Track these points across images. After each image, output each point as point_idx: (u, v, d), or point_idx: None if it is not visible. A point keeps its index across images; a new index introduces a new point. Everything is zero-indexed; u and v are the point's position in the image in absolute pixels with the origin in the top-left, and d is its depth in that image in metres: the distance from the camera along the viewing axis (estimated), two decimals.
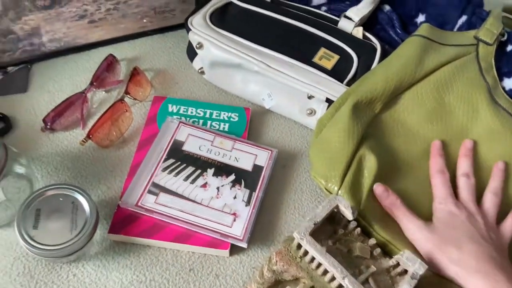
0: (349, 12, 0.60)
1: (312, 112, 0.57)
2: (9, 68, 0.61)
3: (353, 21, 0.60)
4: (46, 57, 0.63)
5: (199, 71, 0.62)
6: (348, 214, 0.41)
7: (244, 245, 0.47)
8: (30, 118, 0.57)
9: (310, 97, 0.55)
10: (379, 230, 0.44)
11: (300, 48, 0.57)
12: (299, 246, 0.41)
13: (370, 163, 0.46)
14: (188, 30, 0.60)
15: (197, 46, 0.59)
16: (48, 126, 0.55)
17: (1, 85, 0.59)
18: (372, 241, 0.43)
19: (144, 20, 0.68)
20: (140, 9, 0.67)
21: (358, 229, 0.43)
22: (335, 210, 0.42)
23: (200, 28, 0.59)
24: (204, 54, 0.59)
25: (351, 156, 0.47)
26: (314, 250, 0.39)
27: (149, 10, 0.68)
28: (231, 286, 0.46)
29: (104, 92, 0.61)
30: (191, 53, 0.63)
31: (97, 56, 0.65)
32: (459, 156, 0.51)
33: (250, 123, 0.58)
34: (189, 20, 0.61)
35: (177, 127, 0.54)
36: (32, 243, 0.41)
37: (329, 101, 0.54)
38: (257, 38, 0.58)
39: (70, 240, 0.42)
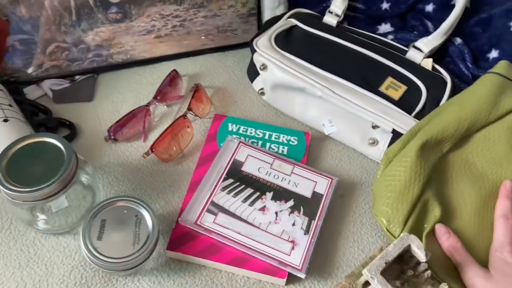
0: (418, 43, 0.59)
1: (374, 142, 0.55)
2: (77, 77, 0.63)
3: (422, 52, 0.58)
4: (112, 68, 0.65)
5: (259, 92, 0.62)
6: (421, 255, 0.39)
7: (302, 275, 0.45)
8: (95, 127, 0.58)
9: (374, 127, 0.54)
10: (440, 274, 0.42)
11: (366, 76, 0.56)
12: (366, 284, 0.40)
13: (434, 210, 0.45)
14: (253, 51, 0.60)
15: (261, 67, 0.59)
16: (111, 136, 0.56)
17: (68, 93, 0.61)
18: (444, 286, 0.40)
19: (207, 38, 0.69)
20: (204, 27, 0.68)
21: (429, 272, 0.41)
22: (406, 249, 0.40)
23: (265, 49, 0.59)
24: (267, 76, 0.59)
25: (416, 199, 0.45)
26: None
27: (212, 29, 0.69)
28: None
29: (165, 107, 0.62)
30: (252, 73, 0.63)
31: (160, 71, 0.66)
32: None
33: (309, 148, 0.57)
34: (254, 41, 0.61)
35: (237, 147, 0.54)
36: (96, 254, 0.41)
37: (395, 132, 0.53)
38: (322, 63, 0.58)
39: (132, 254, 0.42)
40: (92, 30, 0.62)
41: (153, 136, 0.58)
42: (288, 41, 0.61)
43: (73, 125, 0.57)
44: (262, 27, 0.65)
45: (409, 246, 0.40)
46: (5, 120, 0.48)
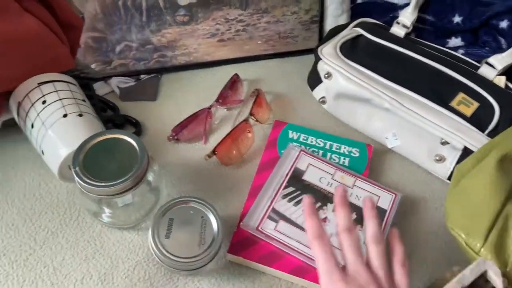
0: (491, 59, 0.56)
1: (441, 159, 0.53)
2: (142, 76, 0.65)
3: (495, 68, 0.56)
4: (175, 69, 0.67)
5: (320, 100, 0.62)
6: (498, 283, 0.38)
7: None
8: (158, 126, 0.59)
9: (444, 143, 0.52)
10: None
11: (436, 89, 0.54)
12: None
13: None
14: (318, 59, 0.59)
15: (326, 75, 0.58)
16: (175, 136, 0.57)
17: (134, 91, 0.63)
18: None
19: (267, 44, 0.69)
20: (266, 32, 0.68)
21: None
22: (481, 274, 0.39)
23: (330, 58, 0.59)
24: (331, 85, 0.58)
25: (497, 212, 0.43)
26: None
27: (274, 34, 0.69)
28: None
29: (225, 110, 0.62)
30: (314, 81, 0.63)
31: (220, 74, 0.67)
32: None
33: (371, 161, 0.56)
34: (319, 49, 0.61)
35: (298, 155, 0.54)
36: (164, 252, 0.42)
37: (466, 150, 0.51)
38: (389, 74, 0.56)
39: (198, 255, 0.42)
40: (160, 31, 0.63)
41: (214, 139, 0.59)
42: (354, 51, 0.60)
43: (139, 123, 0.58)
44: (327, 36, 0.64)
45: (485, 271, 0.38)
46: (80, 115, 0.50)
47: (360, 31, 0.63)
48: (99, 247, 0.47)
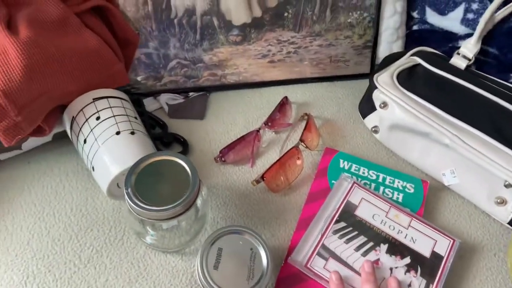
0: None
1: (502, 202, 0.50)
2: (191, 94, 0.65)
3: None
4: (223, 88, 0.66)
5: (372, 129, 0.60)
6: None
7: None
8: (205, 146, 0.59)
9: (507, 186, 0.49)
10: None
11: (500, 127, 0.51)
12: None
13: None
14: (374, 87, 0.57)
15: (381, 105, 0.56)
16: (222, 158, 0.56)
17: (182, 109, 0.62)
18: None
19: (318, 67, 0.68)
20: (317, 55, 0.67)
21: None
22: None
23: (387, 87, 0.56)
24: (386, 115, 0.56)
25: None
26: None
27: (325, 58, 0.67)
28: None
29: (273, 133, 0.61)
30: (367, 109, 0.61)
31: (269, 95, 0.66)
32: None
33: (426, 199, 0.53)
34: (375, 77, 0.59)
35: (351, 187, 0.51)
36: (212, 284, 0.40)
37: None
38: (450, 108, 0.54)
39: None
40: (212, 50, 0.63)
41: (260, 162, 0.57)
42: (412, 81, 0.58)
43: (187, 142, 0.58)
44: (382, 63, 0.62)
45: None
46: (132, 133, 0.50)
47: (418, 60, 0.60)
48: (142, 270, 0.46)
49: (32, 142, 0.53)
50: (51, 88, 0.46)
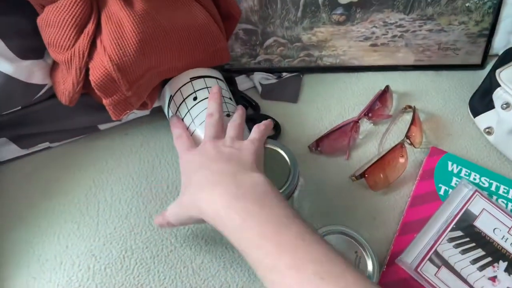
0: None
1: None
2: (284, 74, 0.62)
3: None
4: (318, 70, 0.62)
5: (485, 130, 0.54)
6: None
7: None
8: (298, 132, 0.56)
9: None
10: None
11: None
12: None
13: None
14: (496, 84, 0.51)
15: (504, 105, 0.50)
16: (318, 148, 0.53)
17: (275, 90, 0.60)
18: None
19: (424, 54, 0.62)
20: (425, 41, 0.61)
21: None
22: None
23: None
24: (507, 117, 0.50)
25: None
26: None
27: (433, 44, 0.61)
28: None
29: (371, 124, 0.57)
30: (480, 107, 0.55)
31: (366, 81, 0.61)
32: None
33: None
34: (497, 72, 0.52)
35: (472, 195, 0.47)
36: None
37: None
38: None
39: None
40: (312, 29, 0.59)
41: (356, 155, 0.54)
42: None
43: (279, 126, 0.55)
44: (504, 57, 0.55)
45: None
46: (228, 115, 0.48)
47: None
48: (236, 257, 0.45)
49: (131, 114, 0.53)
50: (160, 63, 0.44)
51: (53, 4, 0.43)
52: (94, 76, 0.42)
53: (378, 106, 0.57)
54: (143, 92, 0.45)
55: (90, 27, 0.42)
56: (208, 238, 0.46)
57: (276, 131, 0.55)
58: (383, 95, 0.58)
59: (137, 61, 0.42)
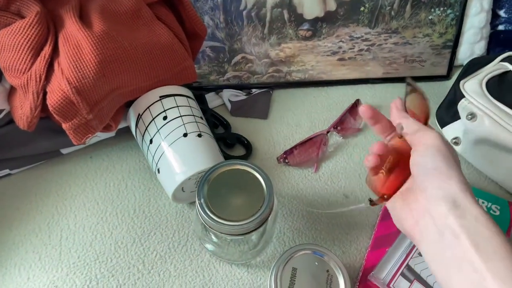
0: None
1: None
2: (253, 90, 0.61)
3: None
4: (287, 85, 0.62)
5: (452, 141, 0.55)
6: None
7: None
8: (269, 148, 0.55)
9: None
10: None
11: None
12: None
13: None
14: (460, 96, 0.52)
15: (468, 116, 0.51)
16: (286, 159, 0.53)
17: (245, 107, 0.59)
18: None
19: (390, 66, 0.63)
20: (391, 54, 0.62)
21: None
22: None
23: (476, 96, 0.51)
24: (473, 127, 0.51)
25: None
26: None
27: (399, 57, 0.62)
28: None
29: (341, 138, 0.57)
30: (447, 118, 0.55)
31: (336, 95, 0.62)
32: None
33: None
34: (461, 83, 0.53)
35: None
36: None
37: None
38: None
39: None
40: (279, 45, 0.59)
41: (325, 167, 0.54)
42: (502, 90, 0.52)
43: (250, 145, 0.55)
44: (467, 68, 0.56)
45: None
46: (199, 135, 0.47)
47: (510, 67, 0.54)
48: (207, 280, 0.44)
49: (95, 136, 0.51)
50: (122, 85, 0.43)
51: (8, 28, 0.41)
52: (52, 100, 0.40)
53: (348, 120, 0.57)
54: (105, 115, 0.44)
55: (47, 50, 0.41)
56: (177, 262, 0.45)
57: (247, 150, 0.55)
58: (353, 108, 0.58)
59: (97, 83, 0.41)
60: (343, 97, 0.61)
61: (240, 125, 0.57)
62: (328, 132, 0.55)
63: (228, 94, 0.59)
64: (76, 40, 0.41)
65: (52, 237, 0.46)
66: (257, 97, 0.60)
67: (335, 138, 0.57)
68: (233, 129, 0.57)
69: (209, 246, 0.45)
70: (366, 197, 0.50)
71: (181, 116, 0.48)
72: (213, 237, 0.45)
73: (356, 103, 0.58)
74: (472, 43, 0.63)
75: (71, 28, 0.42)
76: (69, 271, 0.44)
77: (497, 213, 0.48)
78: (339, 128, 0.56)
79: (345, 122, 0.57)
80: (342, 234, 0.48)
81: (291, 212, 0.50)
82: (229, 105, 0.59)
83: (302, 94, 0.62)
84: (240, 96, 0.60)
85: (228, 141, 0.54)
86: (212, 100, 0.59)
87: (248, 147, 0.54)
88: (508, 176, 0.50)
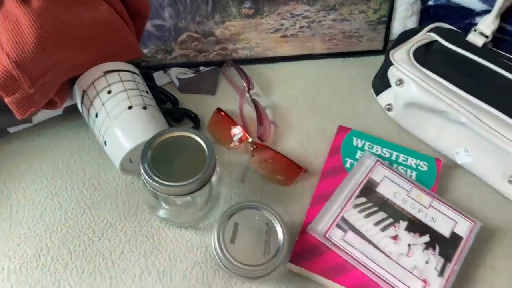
0: None
1: None
2: (201, 68, 0.64)
3: None
4: (235, 63, 0.65)
5: (386, 107, 0.59)
6: None
7: None
8: None
9: None
10: None
11: None
12: None
13: None
14: (389, 64, 0.56)
15: (397, 82, 0.55)
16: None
17: (193, 83, 0.61)
18: None
19: (331, 42, 0.66)
20: (331, 30, 0.66)
21: None
22: None
23: (403, 64, 0.55)
24: (401, 92, 0.55)
25: None
26: None
27: (338, 33, 0.66)
28: None
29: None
30: (381, 86, 0.60)
31: (281, 71, 0.65)
32: None
33: (439, 177, 0.53)
34: (391, 53, 0.57)
35: (374, 165, 0.51)
36: (229, 257, 0.40)
37: None
38: (467, 86, 0.53)
39: (262, 264, 0.40)
40: (224, 24, 0.61)
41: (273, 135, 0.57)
42: (428, 58, 0.57)
43: (198, 118, 0.57)
44: (398, 39, 0.61)
45: None
46: (144, 108, 0.49)
47: (435, 36, 0.59)
48: (157, 244, 0.46)
49: (43, 115, 0.52)
50: (63, 59, 0.45)
51: None
52: None
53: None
54: (48, 89, 0.45)
55: None
56: (127, 229, 0.47)
57: (195, 124, 0.57)
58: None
59: (38, 57, 0.42)
60: (287, 72, 0.64)
61: (189, 102, 0.59)
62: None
63: (176, 72, 0.61)
64: (15, 16, 0.42)
65: (2, 211, 0.47)
66: (205, 75, 0.62)
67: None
68: (181, 105, 0.59)
69: (160, 213, 0.48)
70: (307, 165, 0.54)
71: (125, 90, 0.49)
72: (163, 203, 0.47)
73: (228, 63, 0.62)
74: (404, 18, 0.67)
75: (10, 5, 0.43)
76: (19, 242, 0.45)
77: (425, 169, 0.53)
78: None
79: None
80: (286, 196, 0.51)
81: (238, 179, 0.52)
82: (177, 82, 0.61)
83: (248, 71, 0.64)
84: (188, 74, 0.62)
85: (176, 115, 0.56)
86: (160, 78, 0.61)
87: (196, 121, 0.57)
88: (435, 135, 0.55)
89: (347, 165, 0.53)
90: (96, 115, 0.49)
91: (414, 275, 0.43)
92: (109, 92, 0.49)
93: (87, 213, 0.48)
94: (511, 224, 0.50)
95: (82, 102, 0.50)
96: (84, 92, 0.50)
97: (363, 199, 0.48)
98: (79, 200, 0.48)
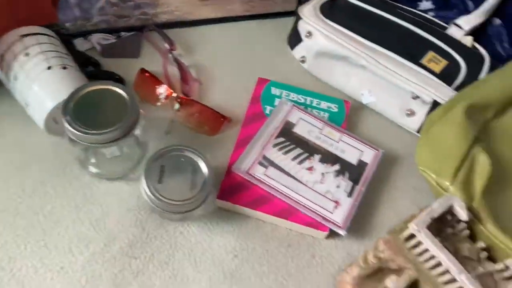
0: (459, 20, 0.61)
1: (411, 113, 0.57)
2: (122, 33, 0.65)
3: (462, 29, 0.60)
4: (156, 27, 0.66)
5: (300, 59, 0.64)
6: (463, 214, 0.42)
7: (343, 232, 0.48)
8: None
9: (414, 98, 0.56)
10: (492, 229, 0.44)
11: (408, 48, 0.58)
12: (408, 238, 0.42)
13: (483, 163, 0.47)
14: (298, 18, 0.61)
15: (307, 34, 0.61)
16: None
17: (116, 48, 0.63)
18: (481, 244, 0.43)
19: (248, 5, 0.70)
20: None
21: (467, 231, 0.44)
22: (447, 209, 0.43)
23: (311, 17, 0.61)
24: (311, 44, 0.61)
25: (465, 153, 0.47)
26: (431, 243, 0.40)
27: None
28: (327, 268, 0.48)
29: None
30: (294, 41, 0.65)
31: (202, 33, 0.68)
32: None
33: (348, 116, 0.59)
34: (299, 9, 0.62)
35: (290, 109, 0.56)
36: (157, 195, 0.43)
37: (436, 103, 0.55)
38: (366, 34, 0.59)
39: (190, 198, 0.44)
40: None
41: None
42: (333, 11, 0.62)
43: (123, 79, 0.59)
44: None
45: (452, 206, 0.43)
46: (64, 68, 0.50)
47: None
48: (89, 197, 0.48)
49: None
50: None
51: None
52: None
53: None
54: None
55: None
56: (57, 186, 0.48)
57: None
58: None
59: None
60: (209, 35, 0.67)
61: (113, 65, 0.61)
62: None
63: (97, 38, 0.62)
64: None
65: None
66: (127, 39, 0.64)
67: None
68: (106, 69, 0.60)
69: (90, 168, 0.49)
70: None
71: (43, 51, 0.50)
72: (92, 158, 0.49)
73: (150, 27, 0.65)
74: None
75: None
76: None
77: (336, 110, 0.59)
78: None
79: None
80: (212, 144, 0.55)
81: (166, 132, 0.55)
82: (98, 48, 0.61)
83: (170, 34, 0.66)
84: (110, 39, 0.63)
85: (100, 77, 0.57)
86: (81, 44, 0.61)
87: (121, 81, 0.58)
88: (343, 80, 0.61)
89: (267, 111, 0.57)
90: (16, 78, 0.49)
91: (327, 197, 0.49)
92: (27, 54, 0.49)
93: (15, 175, 0.48)
94: (408, 150, 0.57)
95: (1, 68, 0.50)
96: (1, 57, 0.50)
97: (281, 139, 0.53)
98: (7, 163, 0.49)
